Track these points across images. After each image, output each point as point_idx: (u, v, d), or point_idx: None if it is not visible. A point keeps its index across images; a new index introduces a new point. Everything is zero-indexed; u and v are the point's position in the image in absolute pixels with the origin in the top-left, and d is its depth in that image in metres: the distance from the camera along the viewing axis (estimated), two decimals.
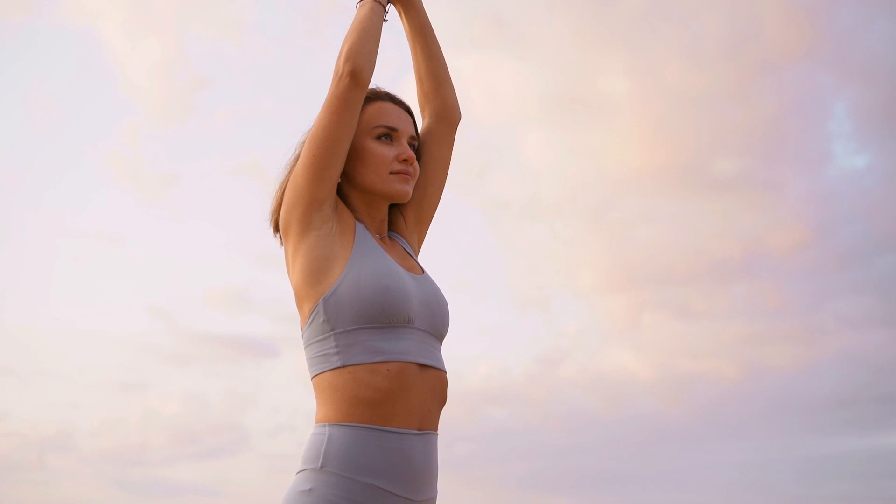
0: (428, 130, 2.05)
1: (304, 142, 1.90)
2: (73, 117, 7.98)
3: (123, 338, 8.07)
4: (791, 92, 8.13)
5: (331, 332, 1.76)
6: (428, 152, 2.04)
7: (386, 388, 1.73)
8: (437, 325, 1.84)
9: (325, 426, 1.75)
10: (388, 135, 1.90)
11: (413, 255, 1.98)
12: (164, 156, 8.15)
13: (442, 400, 1.84)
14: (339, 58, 1.80)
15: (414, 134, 1.95)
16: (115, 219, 8.18)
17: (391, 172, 1.88)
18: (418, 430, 1.77)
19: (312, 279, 1.78)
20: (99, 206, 8.20)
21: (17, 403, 7.92)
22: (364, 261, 1.78)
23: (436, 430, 1.83)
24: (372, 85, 1.95)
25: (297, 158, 1.90)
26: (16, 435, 7.98)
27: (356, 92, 1.79)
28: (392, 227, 2.02)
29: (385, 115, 1.91)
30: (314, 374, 1.80)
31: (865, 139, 8.59)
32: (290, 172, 1.90)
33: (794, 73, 8.11)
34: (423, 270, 1.94)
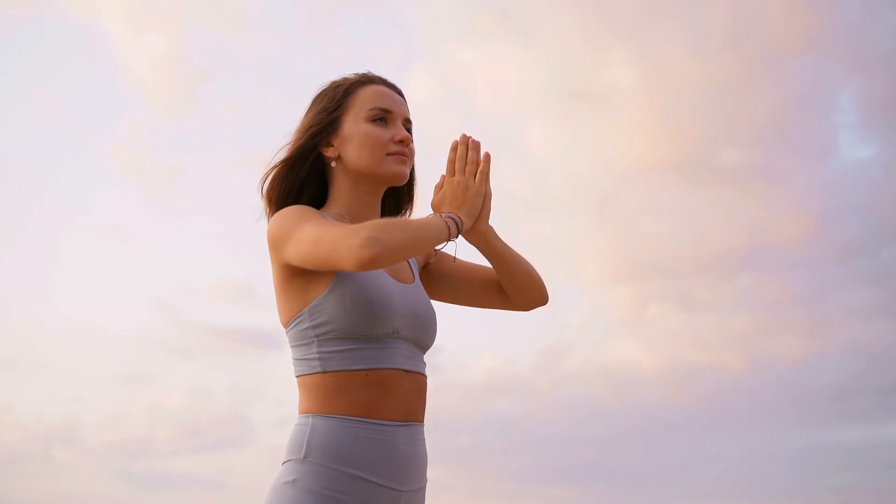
0: (498, 291, 2.01)
1: (297, 129, 1.91)
2: (76, 111, 8.00)
3: (128, 331, 8.09)
4: (796, 83, 8.11)
5: (314, 339, 1.76)
6: (487, 293, 2.02)
7: (367, 391, 1.74)
8: (421, 336, 1.84)
9: (308, 416, 1.75)
10: (383, 117, 1.88)
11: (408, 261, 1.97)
12: (168, 149, 8.15)
13: (424, 400, 1.84)
14: (369, 227, 1.63)
15: (408, 116, 1.93)
16: (118, 212, 8.20)
17: (387, 154, 1.87)
18: (403, 421, 1.77)
19: (293, 297, 1.78)
20: (102, 200, 8.21)
21: (21, 397, 7.95)
22: (349, 275, 1.76)
23: (422, 421, 1.84)
24: (364, 70, 1.95)
25: (291, 148, 1.89)
26: (20, 428, 8.01)
27: (356, 270, 1.65)
28: None
29: (378, 97, 1.90)
30: (297, 374, 1.81)
31: (871, 130, 8.56)
32: (282, 163, 1.89)
33: (798, 63, 8.09)
34: (414, 278, 1.93)
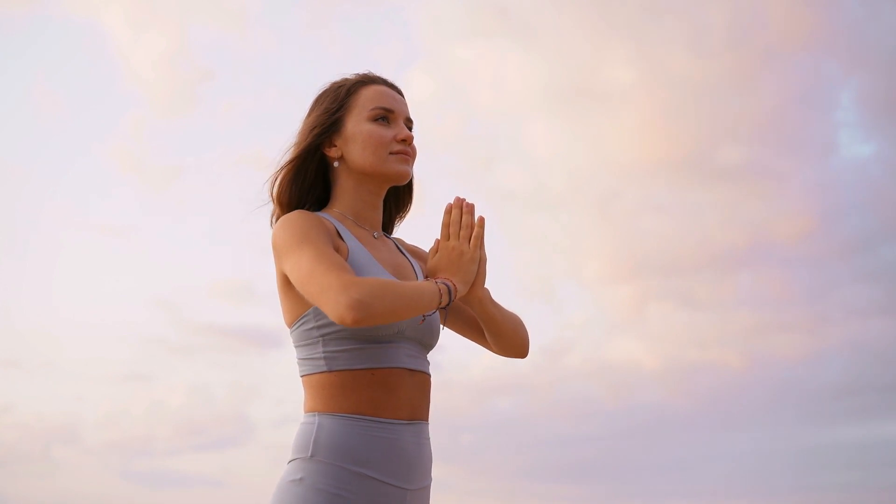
0: (480, 334, 2.03)
1: (301, 131, 1.91)
2: (77, 110, 8.00)
3: (128, 330, 8.09)
4: (796, 81, 8.12)
5: (319, 338, 1.76)
6: (470, 331, 2.03)
7: (373, 390, 1.75)
8: (425, 336, 1.84)
9: (314, 415, 1.76)
10: (385, 116, 1.89)
11: (409, 257, 1.97)
12: (169, 148, 8.16)
13: (429, 399, 1.86)
14: (362, 288, 1.60)
15: (409, 116, 1.94)
16: (119, 211, 8.20)
17: (390, 153, 1.87)
18: (408, 420, 1.78)
19: (298, 298, 1.78)
20: (103, 199, 8.21)
21: (22, 396, 7.96)
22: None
23: (426, 420, 1.84)
24: (364, 70, 1.96)
25: (297, 149, 1.89)
26: (21, 427, 8.02)
27: (337, 323, 1.65)
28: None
29: (380, 97, 1.90)
30: (302, 373, 1.81)
31: (871, 128, 8.57)
32: (289, 164, 1.89)
33: (799, 61, 8.09)
34: (416, 275, 1.92)
